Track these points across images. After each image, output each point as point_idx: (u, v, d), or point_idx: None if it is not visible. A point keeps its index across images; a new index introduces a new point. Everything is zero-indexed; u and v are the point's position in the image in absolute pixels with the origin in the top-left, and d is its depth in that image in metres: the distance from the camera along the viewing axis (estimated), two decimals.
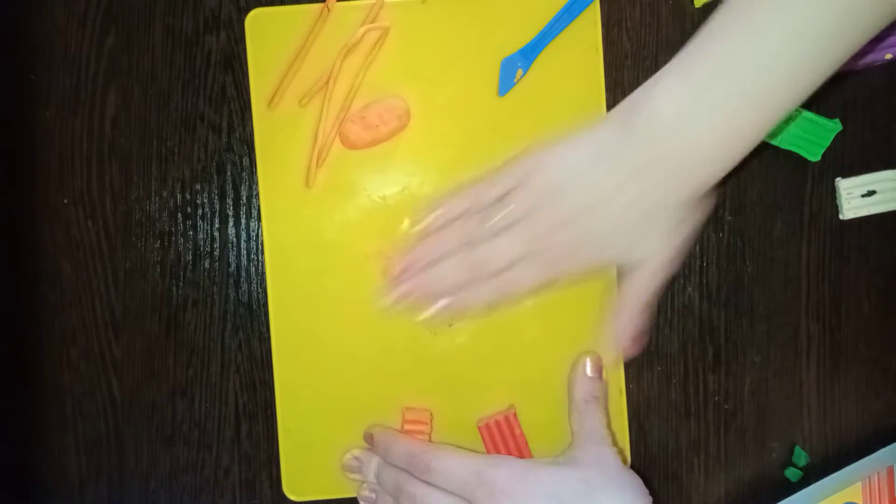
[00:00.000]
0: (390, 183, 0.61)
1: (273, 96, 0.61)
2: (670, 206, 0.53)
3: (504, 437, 0.61)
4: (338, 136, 0.61)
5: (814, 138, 0.60)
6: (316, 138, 0.61)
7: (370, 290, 0.61)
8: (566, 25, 0.61)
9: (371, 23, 0.61)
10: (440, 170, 0.61)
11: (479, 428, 0.61)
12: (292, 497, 0.62)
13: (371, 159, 0.61)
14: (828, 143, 0.61)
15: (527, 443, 0.61)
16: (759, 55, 0.48)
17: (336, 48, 0.61)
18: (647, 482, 0.55)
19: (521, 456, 0.60)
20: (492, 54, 0.61)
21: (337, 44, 0.61)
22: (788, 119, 0.60)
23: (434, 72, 0.61)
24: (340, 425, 0.61)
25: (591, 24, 0.61)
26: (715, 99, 0.49)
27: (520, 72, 0.61)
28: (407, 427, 0.60)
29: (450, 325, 0.61)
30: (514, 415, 0.61)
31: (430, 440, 0.60)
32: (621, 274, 0.58)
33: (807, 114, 0.60)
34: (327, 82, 0.60)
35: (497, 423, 0.60)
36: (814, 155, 0.61)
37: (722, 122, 0.50)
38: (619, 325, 0.58)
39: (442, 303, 0.58)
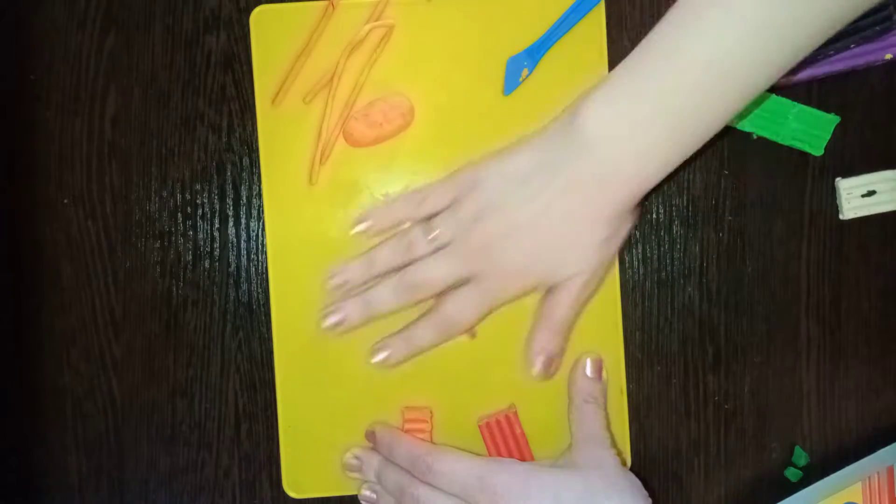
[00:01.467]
0: (393, 181, 0.61)
1: (277, 93, 0.61)
2: (597, 221, 0.54)
3: (504, 437, 0.60)
4: (341, 134, 0.61)
5: (814, 131, 0.61)
6: (320, 135, 0.61)
7: None
8: (572, 26, 0.61)
9: (376, 20, 0.61)
10: (444, 168, 0.61)
11: (479, 427, 0.61)
12: (292, 494, 0.62)
13: (374, 157, 0.61)
14: (828, 136, 0.61)
15: (527, 442, 0.61)
16: (679, 80, 0.50)
17: (340, 45, 0.61)
18: (647, 482, 0.55)
19: (522, 455, 0.60)
20: (497, 53, 0.61)
21: (341, 41, 0.61)
22: (784, 115, 0.60)
23: (439, 70, 0.61)
24: (341, 423, 0.61)
25: (596, 25, 0.61)
26: (635, 119, 0.51)
27: (525, 71, 0.61)
28: (407, 426, 0.60)
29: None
30: (515, 414, 0.61)
31: (430, 439, 0.60)
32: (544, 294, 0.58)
33: (803, 107, 0.60)
34: (331, 79, 0.61)
35: (498, 421, 0.60)
36: (816, 149, 0.61)
37: (641, 143, 0.51)
38: (537, 345, 0.58)
39: (383, 354, 0.59)
